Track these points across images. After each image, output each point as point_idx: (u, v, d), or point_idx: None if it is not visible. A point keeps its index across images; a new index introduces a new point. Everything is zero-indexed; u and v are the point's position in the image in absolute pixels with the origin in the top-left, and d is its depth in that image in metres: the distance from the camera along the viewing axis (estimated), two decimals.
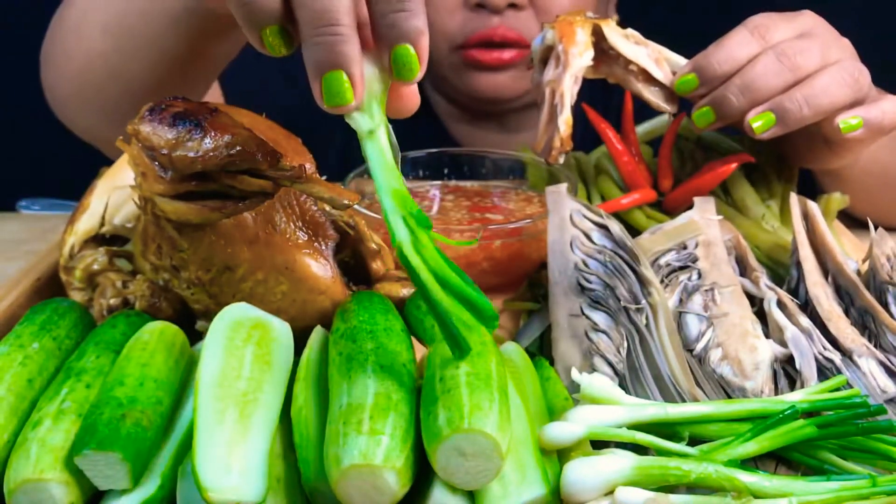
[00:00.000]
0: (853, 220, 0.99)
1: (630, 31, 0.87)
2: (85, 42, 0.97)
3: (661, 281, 0.75)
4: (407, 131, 1.21)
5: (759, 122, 0.79)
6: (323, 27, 0.52)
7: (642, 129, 1.05)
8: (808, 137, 0.86)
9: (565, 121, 0.82)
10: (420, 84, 1.03)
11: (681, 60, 0.86)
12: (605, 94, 1.19)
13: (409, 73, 0.54)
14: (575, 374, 0.62)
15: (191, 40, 0.93)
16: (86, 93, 0.99)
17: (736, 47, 0.82)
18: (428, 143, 1.03)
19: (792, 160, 0.93)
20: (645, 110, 1.04)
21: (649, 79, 0.86)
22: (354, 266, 0.77)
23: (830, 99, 0.78)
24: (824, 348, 0.69)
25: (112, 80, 0.97)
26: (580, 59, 0.83)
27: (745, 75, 0.81)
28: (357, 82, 0.53)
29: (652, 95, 0.87)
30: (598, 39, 0.85)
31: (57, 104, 1.06)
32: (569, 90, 0.82)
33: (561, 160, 0.83)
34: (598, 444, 0.59)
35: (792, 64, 0.79)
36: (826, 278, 0.77)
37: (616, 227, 0.75)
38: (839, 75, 0.79)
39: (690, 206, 0.83)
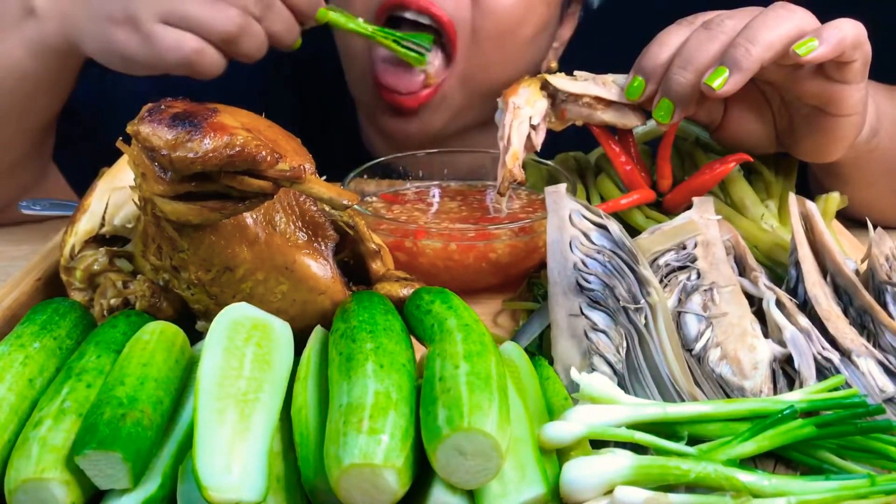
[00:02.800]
0: (851, 221, 0.99)
1: (577, 72, 0.90)
2: None
3: (661, 281, 0.75)
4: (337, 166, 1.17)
5: (716, 80, 0.78)
6: None
7: (641, 129, 1.05)
8: (804, 120, 0.86)
9: (510, 156, 0.87)
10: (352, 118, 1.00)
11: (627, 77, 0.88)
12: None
13: None
14: (574, 374, 0.63)
15: (48, 96, 0.98)
16: None
17: (668, 37, 0.83)
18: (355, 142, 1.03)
19: (795, 152, 0.92)
20: (645, 111, 1.04)
21: (607, 104, 0.89)
22: (354, 266, 0.77)
23: (774, 31, 0.77)
24: (823, 348, 0.69)
25: None
26: (527, 108, 0.88)
27: (682, 53, 0.81)
28: None
29: (616, 117, 0.90)
30: (551, 92, 0.90)
31: None
32: (509, 127, 0.87)
33: (508, 191, 0.88)
34: (598, 444, 0.59)
35: (723, 28, 0.80)
36: (825, 278, 0.77)
37: (615, 228, 0.76)
38: (774, 13, 0.79)
39: (689, 207, 0.83)
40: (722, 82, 0.78)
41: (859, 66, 0.81)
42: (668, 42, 0.83)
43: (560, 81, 0.89)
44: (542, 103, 0.89)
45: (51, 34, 0.92)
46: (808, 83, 0.82)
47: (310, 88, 1.30)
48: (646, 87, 0.85)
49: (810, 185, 1.09)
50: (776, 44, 0.77)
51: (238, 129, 0.58)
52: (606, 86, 0.89)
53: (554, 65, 1.20)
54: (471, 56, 1.07)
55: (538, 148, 0.89)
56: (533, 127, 0.88)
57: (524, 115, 0.88)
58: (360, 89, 1.16)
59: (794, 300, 0.75)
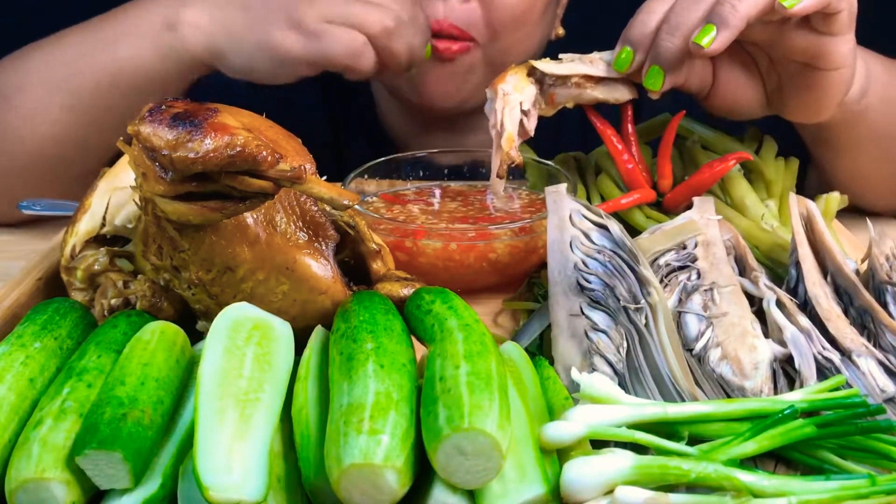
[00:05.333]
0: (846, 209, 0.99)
1: (562, 55, 0.91)
2: (44, 127, 1.01)
3: (661, 281, 0.75)
4: (356, 144, 1.21)
5: (704, 38, 0.77)
6: None
7: (642, 129, 1.05)
8: (793, 78, 0.86)
9: (506, 140, 0.87)
10: (368, 95, 1.06)
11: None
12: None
13: None
14: (575, 374, 0.63)
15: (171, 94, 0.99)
16: (41, 167, 1.04)
17: (654, 5, 0.83)
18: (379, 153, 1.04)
19: (786, 112, 0.91)
20: (645, 111, 1.04)
21: (596, 80, 0.89)
22: (355, 266, 0.77)
23: None
24: (823, 348, 0.69)
25: (73, 152, 1.03)
26: (516, 94, 0.88)
27: (669, 20, 0.81)
28: None
29: (607, 93, 0.89)
30: (539, 78, 0.90)
31: None
32: (500, 113, 0.88)
33: (504, 172, 0.89)
34: (598, 444, 0.59)
35: None
36: (825, 278, 0.77)
37: (615, 227, 0.76)
38: None
39: (690, 206, 0.83)
40: (710, 40, 0.77)
41: (846, 17, 0.80)
42: (655, 10, 0.83)
43: (546, 66, 0.89)
44: (531, 89, 0.89)
45: (190, 46, 0.97)
46: (795, 38, 0.82)
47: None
48: (634, 57, 0.84)
49: (809, 160, 1.09)
50: None
51: (239, 130, 0.58)
52: (594, 63, 0.89)
53: (561, 31, 1.22)
54: (489, 44, 1.10)
55: (531, 133, 0.89)
56: (524, 113, 0.88)
57: (514, 101, 0.88)
58: None
59: (794, 300, 0.75)
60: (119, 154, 0.75)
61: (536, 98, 0.90)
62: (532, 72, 0.89)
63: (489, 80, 1.11)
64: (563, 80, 0.89)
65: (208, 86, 1.01)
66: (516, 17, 1.09)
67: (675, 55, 0.81)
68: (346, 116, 1.33)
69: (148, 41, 0.98)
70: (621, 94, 0.90)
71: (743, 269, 0.79)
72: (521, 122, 0.89)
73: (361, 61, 0.94)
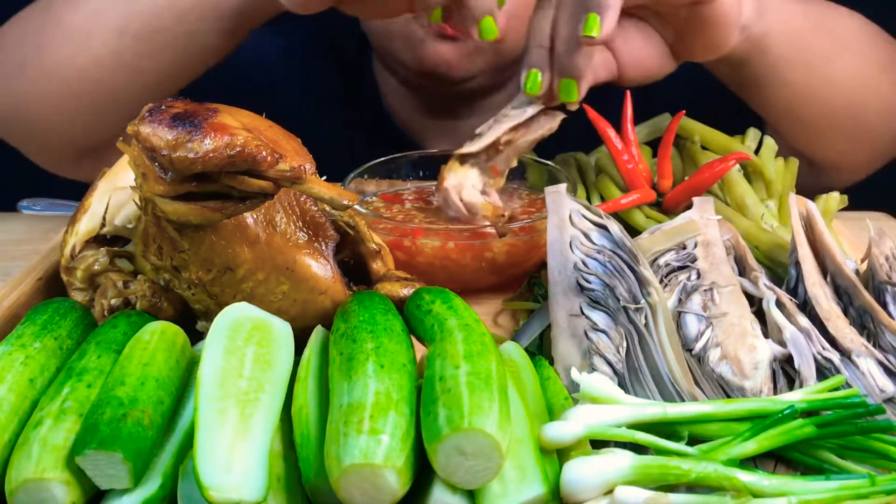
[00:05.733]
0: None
1: (477, 130, 0.91)
2: (95, 46, 0.96)
3: (661, 281, 0.76)
4: (355, 124, 1.19)
5: (592, 30, 0.77)
6: None
7: (642, 129, 1.05)
8: (686, 23, 0.85)
9: (485, 209, 0.89)
10: (370, 78, 1.00)
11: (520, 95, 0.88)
12: (604, 95, 1.20)
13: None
14: (574, 374, 0.63)
15: (230, 34, 0.95)
16: (87, 95, 0.98)
17: (539, 24, 0.83)
18: (379, 136, 1.03)
19: (694, 55, 0.91)
20: (645, 111, 1.04)
21: (522, 127, 0.89)
22: (354, 266, 0.77)
23: None
24: (823, 348, 0.69)
25: (124, 80, 0.97)
26: (465, 182, 0.89)
27: (559, 32, 0.81)
28: None
29: (537, 131, 0.89)
30: (474, 160, 0.90)
31: (32, 113, 1.02)
32: (462, 204, 0.88)
33: None
34: (598, 444, 0.59)
35: None
36: (825, 278, 0.77)
37: (615, 227, 0.76)
38: None
39: (689, 206, 0.83)
40: (597, 27, 0.77)
41: None
42: (543, 27, 0.82)
43: (471, 146, 0.89)
44: (473, 173, 0.90)
45: None
46: None
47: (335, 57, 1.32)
48: (541, 77, 0.84)
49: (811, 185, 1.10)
50: None
51: (238, 130, 0.58)
52: (509, 115, 0.88)
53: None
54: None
55: (500, 204, 0.91)
56: (484, 193, 0.90)
57: (467, 187, 0.89)
58: (392, 26, 1.15)
59: (794, 300, 0.75)
60: (119, 154, 0.75)
61: (483, 179, 0.90)
62: (463, 159, 0.90)
63: (493, 68, 1.14)
64: (493, 148, 0.89)
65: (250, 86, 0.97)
66: (525, 6, 1.10)
67: (579, 63, 0.81)
68: (353, 109, 1.33)
69: None
70: (550, 123, 0.89)
71: (743, 269, 0.79)
72: (488, 194, 0.90)
73: None
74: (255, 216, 0.67)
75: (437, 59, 1.12)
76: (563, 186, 0.79)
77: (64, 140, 1.03)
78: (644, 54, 0.89)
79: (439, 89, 1.20)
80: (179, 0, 0.94)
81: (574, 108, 0.86)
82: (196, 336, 0.68)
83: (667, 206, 0.92)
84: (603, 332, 0.69)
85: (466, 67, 1.14)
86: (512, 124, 0.88)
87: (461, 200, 0.88)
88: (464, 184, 0.89)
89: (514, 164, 0.92)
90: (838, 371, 0.68)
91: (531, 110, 0.87)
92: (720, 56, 0.91)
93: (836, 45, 1.02)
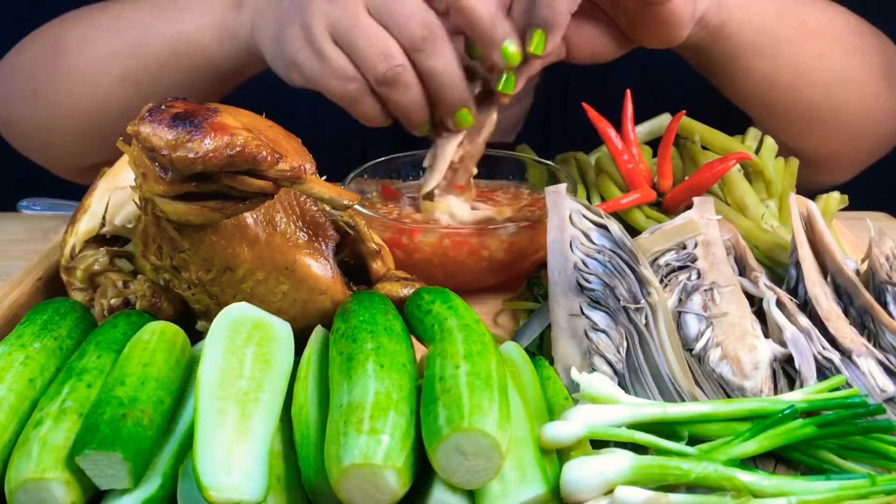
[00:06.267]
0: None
1: (423, 164, 0.92)
2: (100, 90, 1.00)
3: (661, 281, 0.75)
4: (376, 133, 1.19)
5: (533, 45, 0.79)
6: None
7: (642, 129, 1.05)
8: (638, 7, 0.85)
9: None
10: None
11: None
12: (604, 95, 1.20)
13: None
14: (574, 374, 0.63)
15: (222, 86, 0.98)
16: (92, 128, 1.03)
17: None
18: (391, 136, 1.04)
19: (646, 41, 0.90)
20: (645, 111, 1.04)
21: (464, 141, 0.89)
22: (355, 266, 0.77)
23: None
24: (823, 348, 0.69)
25: (125, 121, 0.98)
26: (449, 212, 0.91)
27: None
28: None
29: (478, 132, 0.89)
30: (441, 190, 0.91)
31: (46, 136, 1.07)
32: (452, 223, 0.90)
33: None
34: (598, 444, 0.59)
35: None
36: (825, 278, 0.77)
37: (615, 227, 0.76)
38: None
39: (689, 206, 0.83)
40: (540, 42, 0.79)
41: None
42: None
43: (430, 185, 0.90)
44: (452, 201, 0.91)
45: (243, 27, 0.91)
46: None
47: None
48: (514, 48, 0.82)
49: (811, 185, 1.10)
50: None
51: (238, 129, 0.58)
52: (444, 137, 0.88)
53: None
54: None
55: (489, 212, 0.91)
56: (475, 207, 0.92)
57: (458, 215, 0.90)
58: None
59: (794, 300, 0.75)
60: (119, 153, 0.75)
61: (459, 200, 0.92)
62: (430, 195, 0.91)
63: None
64: (451, 168, 0.90)
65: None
66: None
67: (557, 13, 0.80)
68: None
69: (211, 17, 0.94)
70: (488, 120, 0.90)
71: (743, 269, 0.79)
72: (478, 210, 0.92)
73: (360, 110, 0.83)
74: (255, 216, 0.67)
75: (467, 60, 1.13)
76: (563, 186, 0.79)
77: (73, 159, 1.09)
78: (594, 40, 0.89)
79: None
80: (181, 56, 0.97)
81: (506, 101, 0.86)
82: (196, 336, 0.68)
83: (667, 206, 0.92)
84: (603, 331, 0.69)
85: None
86: (456, 142, 0.88)
87: (449, 214, 0.90)
88: (454, 214, 0.90)
89: (475, 171, 0.93)
90: (838, 371, 0.68)
91: (460, 127, 0.87)
92: (674, 45, 0.91)
93: (804, 31, 1.01)
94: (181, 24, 0.96)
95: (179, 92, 0.95)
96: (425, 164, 0.90)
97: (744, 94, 1.04)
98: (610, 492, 0.54)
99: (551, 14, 0.78)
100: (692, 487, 0.55)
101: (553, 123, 1.30)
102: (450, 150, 0.88)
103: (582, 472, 0.54)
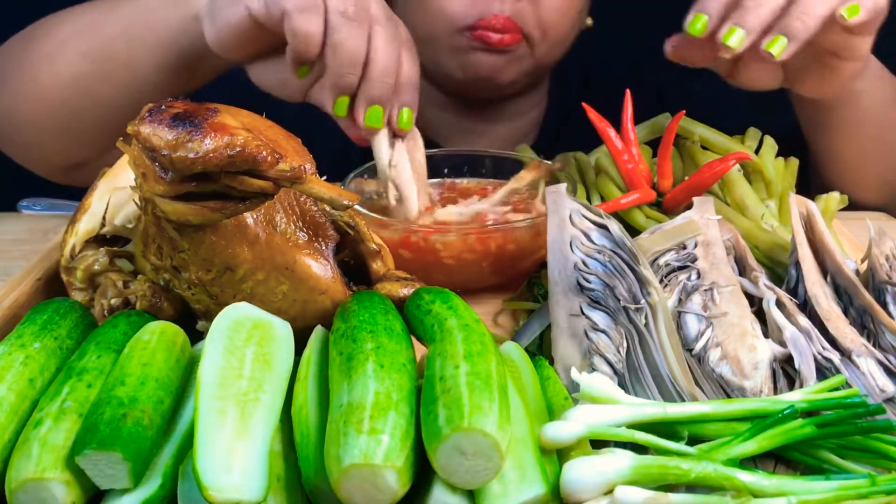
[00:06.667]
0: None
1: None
2: (59, 67, 1.00)
3: (661, 281, 0.76)
4: None
5: (774, 47, 0.81)
6: None
7: (642, 129, 1.05)
8: (817, 62, 0.89)
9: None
10: None
11: None
12: (604, 95, 1.20)
13: None
14: (574, 374, 0.63)
15: (174, 70, 0.97)
16: (53, 114, 1.02)
17: None
18: None
19: (799, 88, 0.94)
20: (645, 112, 1.04)
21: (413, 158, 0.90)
22: (355, 266, 0.77)
23: (826, 4, 0.81)
24: (823, 348, 0.69)
25: (84, 102, 1.01)
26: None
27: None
28: None
29: (412, 153, 0.90)
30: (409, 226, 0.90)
31: (12, 127, 1.07)
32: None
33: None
34: (598, 444, 0.59)
35: None
36: (825, 278, 0.77)
37: (615, 227, 0.76)
38: None
39: (689, 206, 0.83)
40: (781, 49, 0.81)
41: (877, 22, 0.87)
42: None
43: (412, 208, 0.89)
44: (441, 213, 0.91)
45: (194, 11, 0.91)
46: (834, 35, 0.85)
47: None
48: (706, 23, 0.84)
49: (811, 185, 1.10)
50: (825, 15, 0.81)
51: (239, 130, 0.58)
52: (394, 167, 0.89)
53: (589, 22, 1.25)
54: (538, 39, 1.15)
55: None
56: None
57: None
58: (439, 37, 1.17)
59: (794, 300, 0.75)
60: (119, 154, 0.75)
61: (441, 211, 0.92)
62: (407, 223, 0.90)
63: (531, 74, 1.20)
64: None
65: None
66: (562, 14, 1.14)
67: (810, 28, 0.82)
68: None
69: (175, 10, 0.93)
70: (412, 143, 0.90)
71: (743, 269, 0.79)
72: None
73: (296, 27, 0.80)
74: (255, 216, 0.67)
75: (485, 67, 1.15)
76: (563, 186, 0.79)
77: (44, 155, 1.08)
78: (762, 66, 0.90)
79: (479, 94, 1.23)
80: (135, 29, 0.96)
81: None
82: (196, 336, 0.68)
83: (667, 206, 0.92)
84: (603, 331, 0.69)
85: (510, 74, 1.18)
86: (406, 166, 0.88)
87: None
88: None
89: (430, 189, 0.93)
90: (838, 371, 0.68)
91: (387, 153, 0.87)
92: (819, 97, 0.97)
93: None
94: (140, 2, 0.96)
95: (138, 71, 0.96)
96: (392, 201, 0.89)
97: (839, 154, 1.09)
98: (610, 492, 0.54)
99: (802, 28, 0.81)
100: (692, 487, 0.55)
101: (553, 123, 1.31)
102: (404, 174, 0.88)
103: (582, 472, 0.54)
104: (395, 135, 0.88)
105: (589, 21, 1.24)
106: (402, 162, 0.88)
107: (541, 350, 0.75)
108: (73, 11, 1.03)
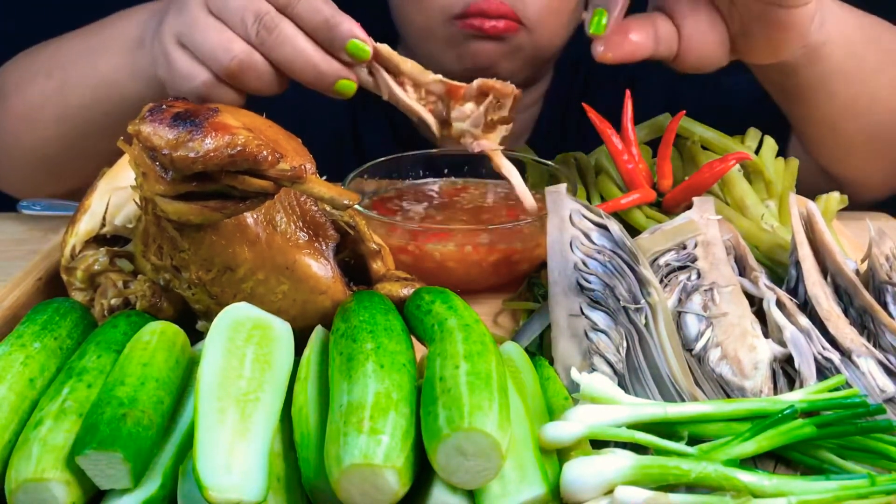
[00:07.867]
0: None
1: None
2: (39, 131, 1.03)
3: (661, 281, 0.76)
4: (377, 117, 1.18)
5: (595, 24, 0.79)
6: None
7: (642, 129, 1.05)
8: (757, 19, 0.83)
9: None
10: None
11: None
12: (604, 95, 1.20)
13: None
14: (574, 374, 0.63)
15: None
16: (38, 166, 1.07)
17: None
18: (392, 135, 1.03)
19: (750, 55, 0.89)
20: (645, 112, 1.04)
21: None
22: (355, 266, 0.77)
23: None
24: (823, 348, 0.69)
25: (70, 152, 1.04)
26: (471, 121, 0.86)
27: None
28: None
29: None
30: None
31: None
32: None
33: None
34: (598, 444, 0.59)
35: None
36: (825, 278, 0.77)
37: (615, 227, 0.76)
38: None
39: (689, 206, 0.83)
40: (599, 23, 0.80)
41: None
42: None
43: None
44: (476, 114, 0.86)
45: (149, 63, 0.89)
46: None
47: None
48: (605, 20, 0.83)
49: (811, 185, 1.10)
50: None
51: (239, 129, 0.58)
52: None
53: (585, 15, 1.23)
54: (535, 27, 1.13)
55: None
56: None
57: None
58: (434, 27, 1.15)
59: (794, 300, 0.75)
60: (119, 153, 0.75)
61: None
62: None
63: (531, 65, 1.17)
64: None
65: None
66: (560, 2, 1.13)
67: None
68: (365, 101, 1.33)
69: (123, 57, 0.93)
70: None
71: (743, 269, 0.79)
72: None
73: (217, 100, 0.80)
74: (255, 216, 0.67)
75: (482, 57, 1.13)
76: (563, 186, 0.79)
77: (29, 190, 1.12)
78: (706, 41, 0.86)
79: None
80: (103, 98, 0.96)
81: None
82: (196, 336, 0.68)
83: (667, 206, 0.92)
84: (603, 332, 0.69)
85: (508, 64, 1.15)
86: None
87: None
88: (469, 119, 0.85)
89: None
90: (838, 371, 0.68)
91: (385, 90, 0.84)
92: (776, 62, 0.90)
93: (887, 59, 1.00)
94: (99, 66, 0.96)
95: (109, 131, 0.91)
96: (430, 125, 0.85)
97: (819, 120, 1.02)
98: (610, 492, 0.54)
99: None
100: (692, 487, 0.55)
101: (568, 131, 1.30)
102: (404, 100, 0.83)
103: (582, 472, 0.54)
104: (370, 71, 0.83)
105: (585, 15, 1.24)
106: (393, 92, 0.83)
107: (541, 350, 0.75)
108: (39, 59, 1.04)
